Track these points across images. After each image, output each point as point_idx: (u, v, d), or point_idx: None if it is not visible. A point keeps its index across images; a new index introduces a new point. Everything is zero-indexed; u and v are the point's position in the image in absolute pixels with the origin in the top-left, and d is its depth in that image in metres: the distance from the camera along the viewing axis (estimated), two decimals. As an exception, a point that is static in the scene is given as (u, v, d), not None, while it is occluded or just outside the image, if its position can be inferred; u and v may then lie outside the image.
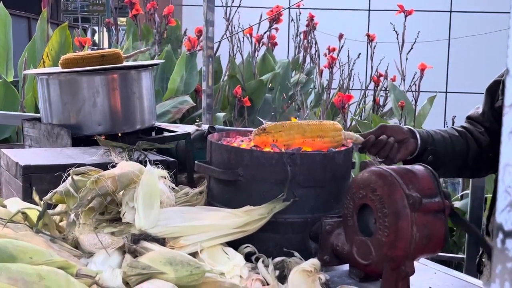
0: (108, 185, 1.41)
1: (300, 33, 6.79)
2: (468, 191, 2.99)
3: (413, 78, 5.26)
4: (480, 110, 1.97)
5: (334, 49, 6.48)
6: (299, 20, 6.86)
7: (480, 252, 2.02)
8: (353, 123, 5.25)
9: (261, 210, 1.47)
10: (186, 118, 4.72)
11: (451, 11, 9.07)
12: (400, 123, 4.85)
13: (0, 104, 4.35)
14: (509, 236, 0.57)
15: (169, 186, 1.53)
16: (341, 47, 6.54)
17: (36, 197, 1.53)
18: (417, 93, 5.10)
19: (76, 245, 1.40)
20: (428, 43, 6.63)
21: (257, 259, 1.43)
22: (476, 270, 2.04)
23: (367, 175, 1.35)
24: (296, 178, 1.48)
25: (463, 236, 3.43)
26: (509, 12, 8.30)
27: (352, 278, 1.46)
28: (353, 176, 1.57)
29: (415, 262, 1.34)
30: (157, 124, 2.43)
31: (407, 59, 5.39)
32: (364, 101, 6.41)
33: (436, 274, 1.58)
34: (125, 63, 2.35)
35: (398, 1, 5.58)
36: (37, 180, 1.71)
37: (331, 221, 1.46)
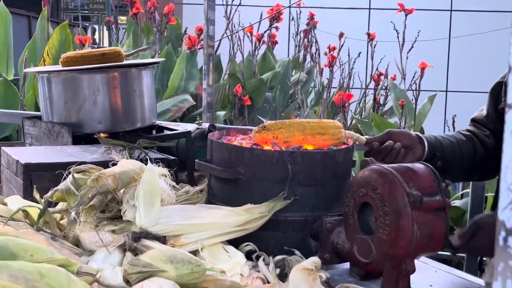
0: (108, 183, 1.41)
1: (301, 31, 6.78)
2: (469, 190, 2.99)
3: (414, 77, 5.25)
4: (484, 112, 1.97)
5: (334, 48, 6.47)
6: (300, 18, 6.86)
7: None
8: (353, 122, 5.25)
9: (262, 208, 1.47)
10: (186, 116, 4.72)
11: (451, 10, 9.06)
12: (400, 122, 4.85)
13: (0, 103, 4.35)
14: (511, 233, 0.57)
15: (169, 184, 1.53)
16: (342, 46, 6.53)
17: (36, 195, 1.53)
18: (417, 92, 5.09)
19: (77, 243, 1.40)
20: (429, 42, 6.63)
21: (257, 257, 1.43)
22: (477, 269, 2.04)
23: (367, 173, 1.35)
24: (296, 176, 1.48)
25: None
26: (509, 11, 8.30)
27: (352, 276, 1.46)
28: (354, 174, 1.57)
29: (415, 261, 1.34)
30: (158, 122, 2.43)
31: (407, 58, 5.38)
32: (365, 100, 6.40)
33: (437, 272, 1.58)
34: (125, 62, 2.35)
35: (399, 0, 5.58)
36: (38, 178, 1.71)
37: (331, 220, 1.46)
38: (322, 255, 1.45)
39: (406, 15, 5.50)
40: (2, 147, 2.02)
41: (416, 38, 5.34)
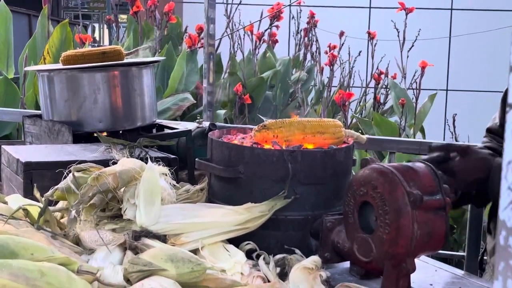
0: (109, 181, 1.41)
1: (301, 30, 6.78)
2: (469, 189, 2.98)
3: (414, 75, 5.25)
4: (497, 121, 1.93)
5: (334, 47, 6.48)
6: (300, 17, 6.86)
7: (482, 250, 2.02)
8: (354, 120, 5.25)
9: (262, 207, 1.47)
10: (186, 115, 4.72)
11: (452, 9, 9.06)
12: (400, 121, 4.84)
13: (0, 101, 4.35)
14: (512, 233, 0.57)
15: (170, 183, 1.53)
16: (342, 45, 6.53)
17: (37, 194, 1.53)
18: (418, 90, 5.09)
19: (77, 241, 1.40)
20: (429, 40, 6.63)
21: (258, 256, 1.43)
22: (478, 268, 2.04)
23: (368, 172, 1.35)
24: (297, 175, 1.48)
25: (464, 234, 3.43)
26: (510, 10, 8.29)
27: (353, 275, 1.46)
28: (354, 173, 1.57)
29: (416, 260, 1.34)
30: (158, 121, 2.43)
31: (408, 56, 5.38)
32: (365, 99, 6.41)
33: (437, 271, 1.58)
34: (126, 60, 2.35)
35: (399, -1, 5.58)
36: (38, 177, 1.71)
37: (332, 219, 1.46)
38: (322, 254, 1.45)
39: (406, 14, 5.50)
40: (2, 146, 2.02)
41: (416, 36, 5.34)
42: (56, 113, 2.21)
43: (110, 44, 6.20)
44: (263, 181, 1.49)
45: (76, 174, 1.44)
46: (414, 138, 4.75)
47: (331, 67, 5.98)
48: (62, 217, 1.55)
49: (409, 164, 1.37)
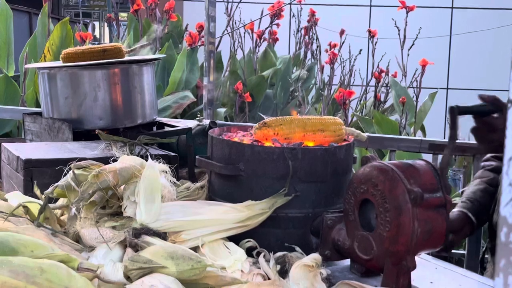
0: (109, 179, 1.41)
1: (301, 28, 6.77)
2: (469, 187, 2.98)
3: (414, 74, 5.25)
4: None
5: (335, 45, 6.47)
6: (300, 15, 6.85)
7: (484, 248, 2.02)
8: (354, 119, 5.24)
9: (262, 205, 1.47)
10: (187, 113, 4.72)
11: (452, 7, 9.05)
12: (401, 120, 4.84)
13: (1, 99, 4.35)
14: (513, 229, 0.57)
15: (170, 181, 1.53)
16: (342, 43, 6.52)
17: (37, 191, 1.53)
18: (418, 89, 5.09)
19: (77, 239, 1.40)
20: (430, 39, 6.62)
21: (258, 254, 1.43)
22: (479, 267, 2.04)
23: (368, 170, 1.35)
24: (297, 173, 1.48)
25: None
26: (510, 9, 8.28)
27: (353, 273, 1.46)
28: (354, 171, 1.57)
29: (416, 257, 1.34)
30: (159, 119, 2.42)
31: (408, 55, 5.38)
32: (365, 97, 6.40)
33: (437, 269, 1.58)
34: (126, 58, 2.35)
35: (400, -3, 5.57)
36: (38, 174, 1.71)
37: (332, 216, 1.46)
38: (322, 251, 1.45)
39: (407, 12, 5.49)
40: (2, 143, 2.02)
41: (417, 35, 5.34)
42: (56, 110, 2.21)
43: (110, 42, 6.20)
44: (263, 179, 1.49)
45: (76, 171, 1.44)
46: (415, 136, 4.75)
47: (332, 65, 5.98)
48: (62, 215, 1.55)
49: (410, 161, 1.37)
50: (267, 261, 1.39)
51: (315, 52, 6.53)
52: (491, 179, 1.90)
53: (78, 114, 2.17)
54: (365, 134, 1.78)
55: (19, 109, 3.53)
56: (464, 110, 1.48)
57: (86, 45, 4.20)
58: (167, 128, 2.30)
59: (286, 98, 5.76)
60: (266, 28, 5.91)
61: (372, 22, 8.81)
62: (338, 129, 1.63)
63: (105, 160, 1.58)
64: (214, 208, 1.48)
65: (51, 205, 1.45)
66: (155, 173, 1.46)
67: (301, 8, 6.81)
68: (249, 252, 1.44)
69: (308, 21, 6.56)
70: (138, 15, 5.21)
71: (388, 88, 5.92)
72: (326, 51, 6.36)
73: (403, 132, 4.73)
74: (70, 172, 1.44)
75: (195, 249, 1.37)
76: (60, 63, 2.30)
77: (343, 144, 1.59)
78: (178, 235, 1.40)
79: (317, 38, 6.48)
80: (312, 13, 6.50)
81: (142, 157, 1.62)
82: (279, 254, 1.42)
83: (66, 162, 1.48)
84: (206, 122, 2.20)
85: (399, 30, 5.48)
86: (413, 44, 5.38)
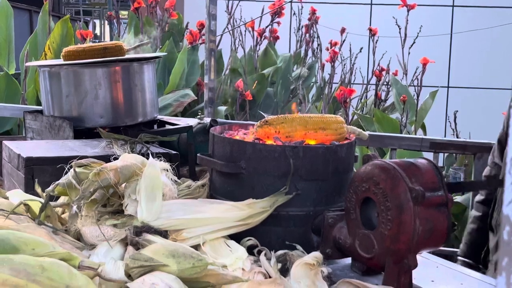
0: (110, 177, 1.41)
1: (302, 27, 6.76)
2: (470, 186, 2.97)
3: (415, 72, 5.24)
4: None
5: (336, 43, 6.46)
6: (301, 14, 6.84)
7: (485, 247, 2.02)
8: (355, 117, 5.24)
9: (264, 203, 1.47)
10: (187, 111, 4.72)
11: (453, 6, 9.03)
12: (402, 118, 4.84)
13: (1, 97, 4.35)
14: (516, 228, 0.57)
15: (171, 179, 1.53)
16: (343, 41, 6.51)
17: (38, 189, 1.53)
18: (419, 87, 5.08)
19: (79, 237, 1.40)
20: (430, 37, 6.61)
21: (259, 252, 1.43)
22: (481, 265, 2.04)
23: (370, 168, 1.35)
24: (298, 171, 1.48)
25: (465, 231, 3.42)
26: (511, 7, 8.27)
27: (354, 271, 1.46)
28: (355, 169, 1.57)
29: (417, 256, 1.34)
30: (159, 117, 2.42)
31: (409, 53, 5.37)
32: (366, 96, 6.39)
33: (438, 268, 1.58)
34: (127, 56, 2.34)
35: (400, -5, 5.56)
36: (39, 172, 1.71)
37: (333, 215, 1.46)
38: (323, 250, 1.45)
39: (408, 11, 5.49)
40: (3, 141, 2.02)
41: (418, 33, 5.33)
42: (57, 108, 2.21)
43: (111, 40, 6.19)
44: (264, 177, 1.49)
45: (77, 169, 1.43)
46: (415, 134, 4.74)
47: (332, 63, 5.97)
48: (63, 213, 1.55)
49: (411, 160, 1.37)
50: (268, 259, 1.39)
51: (315, 50, 6.52)
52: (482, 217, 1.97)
53: (79, 112, 2.17)
54: (366, 133, 1.78)
55: (20, 107, 3.53)
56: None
57: (87, 43, 4.20)
58: (168, 126, 2.30)
59: (287, 96, 5.75)
60: (266, 26, 5.90)
61: (373, 20, 8.80)
62: (339, 127, 1.63)
63: (106, 158, 1.57)
64: (215, 206, 1.48)
65: (52, 203, 1.45)
66: (156, 171, 1.45)
67: (302, 6, 6.81)
68: (250, 250, 1.44)
69: (309, 19, 6.55)
70: (139, 13, 5.21)
71: (388, 86, 5.91)
72: (327, 49, 6.35)
73: (404, 130, 4.73)
74: (71, 170, 1.43)
75: (196, 247, 1.37)
76: (61, 61, 2.30)
77: (345, 143, 1.59)
78: (179, 233, 1.40)
79: (318, 36, 6.47)
80: (313, 11, 6.49)
81: (143, 155, 1.61)
82: (280, 252, 1.42)
83: (67, 160, 1.48)
84: (207, 120, 2.20)
85: (400, 29, 5.47)
86: (414, 43, 5.38)
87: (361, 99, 6.37)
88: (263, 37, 5.82)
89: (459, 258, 2.06)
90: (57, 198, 1.54)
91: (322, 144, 1.57)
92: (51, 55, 4.53)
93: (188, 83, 4.86)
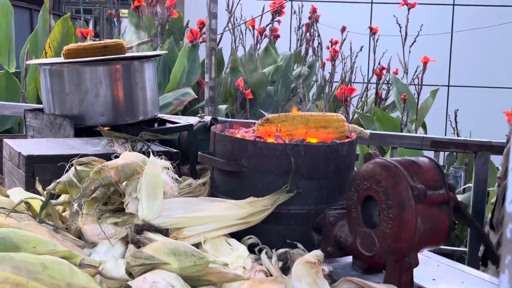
0: (111, 175, 1.41)
1: (303, 25, 6.76)
2: (471, 185, 2.98)
3: (416, 71, 5.24)
4: None
5: (336, 42, 6.45)
6: (302, 12, 6.84)
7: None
8: (355, 116, 5.24)
9: (265, 201, 1.47)
10: (188, 110, 4.72)
11: (454, 4, 9.03)
12: (402, 117, 4.83)
13: (2, 95, 4.34)
14: (519, 226, 0.56)
15: (172, 177, 1.53)
16: (344, 40, 6.51)
17: (39, 187, 1.52)
18: (419, 86, 5.08)
19: (79, 235, 1.40)
20: (431, 36, 6.61)
21: (260, 251, 1.43)
22: (481, 263, 2.04)
23: (371, 167, 1.35)
24: (299, 169, 1.47)
25: (465, 229, 3.43)
26: (511, 6, 8.27)
27: (355, 270, 1.46)
28: (356, 168, 1.57)
29: (418, 254, 1.34)
30: (160, 115, 2.42)
31: (409, 52, 5.37)
32: (367, 94, 6.39)
33: (440, 266, 1.58)
34: (128, 54, 2.34)
35: (401, -6, 5.55)
36: (40, 170, 1.71)
37: (334, 213, 1.46)
38: (325, 248, 1.45)
39: (408, 9, 5.48)
40: (4, 140, 2.02)
41: (418, 32, 5.33)
42: (58, 107, 2.21)
43: (111, 38, 6.18)
44: (265, 175, 1.49)
45: (78, 167, 1.43)
46: (416, 133, 4.74)
47: (333, 62, 5.97)
48: (64, 211, 1.54)
49: (413, 158, 1.37)
50: (269, 257, 1.39)
51: (316, 49, 6.52)
52: None
53: (80, 110, 2.17)
54: (368, 131, 1.78)
55: (21, 105, 3.53)
56: None
57: (87, 42, 4.19)
58: (168, 125, 2.30)
59: (287, 95, 5.75)
60: (267, 25, 5.89)
61: (374, 19, 8.79)
62: (340, 126, 1.63)
63: (107, 157, 1.57)
64: (216, 205, 1.48)
65: (53, 201, 1.45)
66: (157, 170, 1.45)
67: (302, 5, 6.80)
68: (251, 248, 1.44)
69: (309, 18, 6.55)
70: (139, 12, 5.20)
71: (389, 85, 5.91)
72: (327, 48, 6.34)
73: (405, 129, 4.73)
74: (72, 168, 1.43)
75: (197, 245, 1.37)
76: (61, 59, 2.30)
77: (346, 141, 1.59)
78: (180, 231, 1.40)
79: (319, 35, 6.47)
80: (313, 10, 6.48)
81: (144, 153, 1.61)
82: (281, 250, 1.42)
83: (67, 158, 1.48)
84: (208, 119, 2.19)
85: (400, 27, 5.46)
86: (414, 41, 5.37)
87: (361, 97, 6.37)
88: (263, 36, 5.82)
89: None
90: (58, 196, 1.54)
91: (324, 142, 1.57)
92: (52, 53, 4.53)
93: (188, 82, 4.86)
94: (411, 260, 1.30)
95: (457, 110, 4.64)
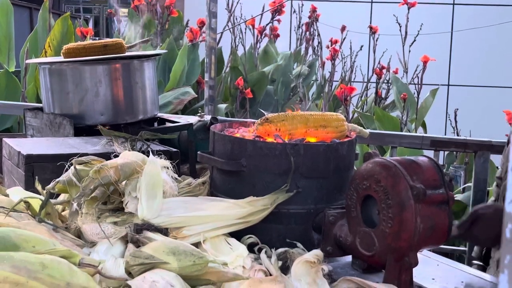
0: (111, 174, 1.41)
1: (302, 24, 6.76)
2: (471, 184, 2.98)
3: (416, 70, 5.24)
4: None
5: (336, 41, 6.45)
6: (302, 11, 6.83)
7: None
8: (355, 115, 5.24)
9: (264, 201, 1.47)
10: (187, 109, 4.71)
11: (454, 4, 9.03)
12: (402, 116, 4.83)
13: (1, 94, 4.34)
14: (519, 226, 0.56)
15: (171, 177, 1.53)
16: (344, 39, 6.51)
17: (38, 187, 1.52)
18: (419, 85, 5.07)
19: (79, 234, 1.40)
20: (431, 35, 6.60)
21: (260, 250, 1.43)
22: (482, 262, 2.04)
23: (371, 166, 1.35)
24: (299, 169, 1.47)
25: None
26: (511, 5, 8.27)
27: (355, 269, 1.46)
28: (356, 167, 1.57)
29: (418, 254, 1.34)
30: (160, 114, 2.42)
31: (409, 51, 5.37)
32: (366, 94, 6.39)
33: (439, 266, 1.58)
34: (127, 53, 2.34)
35: (401, -7, 5.55)
36: (40, 170, 1.70)
37: (334, 212, 1.46)
38: (324, 247, 1.45)
39: (408, 9, 5.48)
40: (3, 139, 2.02)
41: (418, 31, 5.32)
42: (58, 106, 2.21)
43: (111, 37, 6.18)
44: (265, 175, 1.49)
45: (78, 167, 1.43)
46: (416, 132, 4.74)
47: (333, 61, 5.96)
48: (63, 210, 1.54)
49: (413, 158, 1.36)
50: (269, 257, 1.39)
51: (316, 48, 6.52)
52: None
53: (79, 109, 2.17)
54: (367, 131, 1.78)
55: (20, 104, 3.53)
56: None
57: (87, 41, 4.19)
58: (168, 124, 2.30)
59: (287, 94, 5.75)
60: (267, 24, 5.89)
61: (373, 18, 8.79)
62: (340, 125, 1.63)
63: (107, 156, 1.57)
64: (216, 204, 1.48)
65: (52, 201, 1.45)
66: (156, 169, 1.45)
67: (302, 4, 6.80)
68: (250, 248, 1.44)
69: (309, 17, 6.55)
70: (139, 11, 5.20)
71: (389, 84, 5.91)
72: (327, 47, 6.34)
73: (404, 128, 4.73)
74: (72, 167, 1.43)
75: (197, 245, 1.37)
76: (61, 58, 2.30)
77: (345, 140, 1.59)
78: (180, 231, 1.40)
79: (318, 34, 6.47)
80: (313, 9, 6.48)
81: (143, 152, 1.61)
82: (280, 250, 1.42)
83: (67, 157, 1.48)
84: (207, 118, 2.19)
85: (400, 27, 5.46)
86: (414, 41, 5.37)
87: (361, 97, 6.37)
88: (263, 35, 5.82)
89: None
90: (58, 195, 1.54)
91: (323, 141, 1.57)
92: (51, 52, 4.52)
93: (188, 81, 4.86)
94: (410, 260, 1.30)
95: (457, 109, 4.64)
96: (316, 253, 1.35)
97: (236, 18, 5.85)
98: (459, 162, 4.03)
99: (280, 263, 1.37)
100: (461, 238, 1.71)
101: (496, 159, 3.03)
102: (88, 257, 1.21)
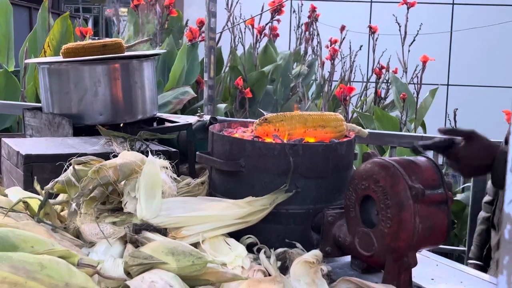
0: (109, 174, 1.41)
1: (302, 24, 6.76)
2: (470, 184, 2.98)
3: (415, 70, 5.24)
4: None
5: (336, 41, 6.46)
6: (301, 11, 6.84)
7: (487, 245, 2.02)
8: (355, 115, 5.24)
9: (263, 201, 1.47)
10: (187, 109, 4.72)
11: (453, 4, 9.03)
12: (401, 116, 4.83)
13: (1, 94, 4.34)
14: (517, 227, 0.56)
15: (170, 177, 1.53)
16: (343, 39, 6.51)
17: (37, 187, 1.52)
18: (419, 85, 5.08)
19: (78, 234, 1.40)
20: (430, 35, 6.61)
21: (259, 250, 1.43)
22: (482, 263, 2.04)
23: (369, 166, 1.35)
24: (298, 169, 1.47)
25: (464, 228, 3.43)
26: (511, 5, 8.27)
27: (354, 269, 1.45)
28: (355, 167, 1.57)
29: (417, 254, 1.33)
30: (159, 114, 2.42)
31: (409, 51, 5.37)
32: (366, 93, 6.39)
33: (438, 266, 1.58)
34: (126, 53, 2.34)
35: (400, -7, 5.55)
36: (38, 170, 1.70)
37: (333, 212, 1.46)
38: (323, 248, 1.45)
39: (408, 8, 5.48)
40: (2, 138, 2.02)
41: (418, 31, 5.33)
42: (57, 106, 2.21)
43: (110, 37, 6.18)
44: (264, 175, 1.49)
45: (77, 167, 1.43)
46: (415, 132, 4.74)
47: (332, 61, 5.97)
48: (62, 210, 1.54)
49: (411, 158, 1.36)
50: (268, 257, 1.39)
51: (315, 48, 6.52)
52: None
53: (79, 109, 2.17)
54: (366, 130, 1.78)
55: (19, 104, 3.53)
56: (427, 147, 1.62)
57: (86, 40, 4.19)
58: (167, 124, 2.30)
59: (287, 94, 5.75)
60: (266, 24, 5.89)
61: (373, 18, 8.79)
62: (339, 125, 1.63)
63: (106, 156, 1.57)
64: (215, 204, 1.48)
65: (51, 201, 1.44)
66: (155, 169, 1.45)
67: (302, 4, 6.80)
68: (249, 248, 1.44)
69: (309, 17, 6.55)
70: (139, 11, 5.20)
71: (388, 84, 5.91)
72: (327, 47, 6.35)
73: (404, 128, 4.73)
74: (71, 167, 1.43)
75: (196, 245, 1.36)
76: (60, 58, 2.29)
77: (344, 140, 1.59)
78: (179, 231, 1.40)
79: (318, 34, 6.47)
80: (313, 9, 6.49)
81: (142, 152, 1.61)
82: (279, 250, 1.42)
83: (66, 157, 1.47)
84: (207, 118, 2.19)
85: (400, 26, 5.46)
86: (414, 40, 5.37)
87: (360, 97, 6.37)
88: (262, 35, 5.82)
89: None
90: (56, 195, 1.54)
91: (322, 141, 1.57)
92: (51, 52, 4.52)
93: (187, 81, 4.86)
94: (409, 260, 1.30)
95: (456, 109, 4.64)
96: (315, 253, 1.35)
97: (236, 18, 5.85)
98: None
99: (279, 263, 1.37)
100: (439, 151, 1.66)
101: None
102: (87, 257, 1.21)
